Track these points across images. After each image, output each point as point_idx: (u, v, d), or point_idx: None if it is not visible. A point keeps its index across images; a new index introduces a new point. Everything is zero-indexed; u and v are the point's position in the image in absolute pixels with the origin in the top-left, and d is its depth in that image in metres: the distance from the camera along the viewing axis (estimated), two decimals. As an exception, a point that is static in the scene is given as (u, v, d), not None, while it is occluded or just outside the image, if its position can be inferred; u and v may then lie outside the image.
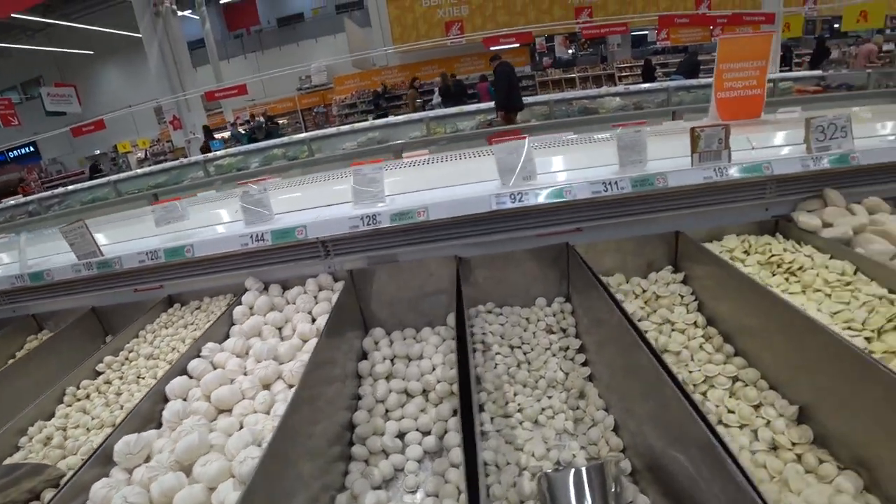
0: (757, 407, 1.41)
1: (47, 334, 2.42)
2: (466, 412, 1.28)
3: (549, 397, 1.69)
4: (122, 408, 1.77)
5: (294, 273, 2.13)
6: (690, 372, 1.55)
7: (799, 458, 1.24)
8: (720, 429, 1.39)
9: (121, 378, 1.92)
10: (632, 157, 1.94)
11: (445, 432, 1.61)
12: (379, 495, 1.40)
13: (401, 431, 1.65)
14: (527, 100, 8.15)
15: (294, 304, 2.01)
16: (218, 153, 8.63)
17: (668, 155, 2.05)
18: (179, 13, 12.52)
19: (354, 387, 1.81)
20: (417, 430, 1.65)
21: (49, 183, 17.64)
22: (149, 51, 11.71)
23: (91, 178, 12.63)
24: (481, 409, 1.64)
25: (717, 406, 1.44)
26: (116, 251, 2.16)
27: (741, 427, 1.38)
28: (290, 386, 1.61)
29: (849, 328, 1.41)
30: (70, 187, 8.74)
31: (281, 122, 18.80)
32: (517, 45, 10.01)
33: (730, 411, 1.42)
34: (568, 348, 1.87)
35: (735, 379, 1.52)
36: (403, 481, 1.49)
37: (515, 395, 1.70)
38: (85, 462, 1.28)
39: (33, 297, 2.44)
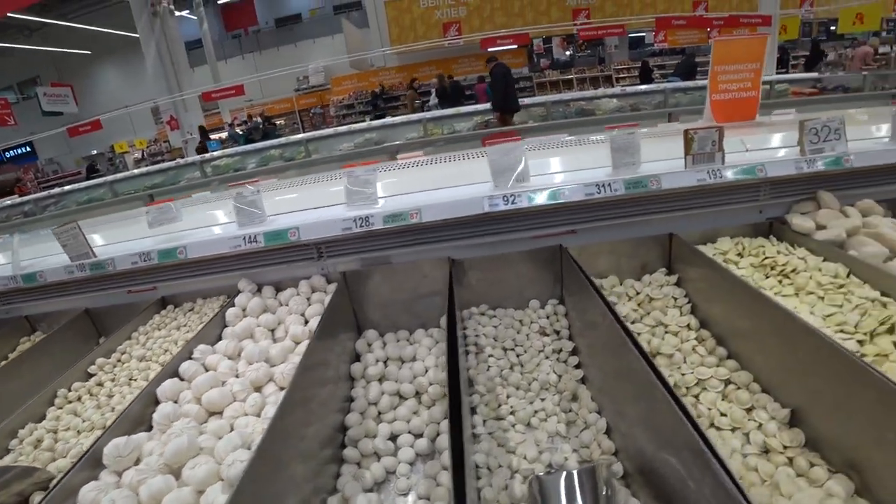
0: (749, 410, 1.41)
1: (40, 336, 2.41)
2: (456, 415, 1.27)
3: (542, 400, 1.69)
4: (113, 410, 1.76)
5: (287, 275, 2.12)
6: (683, 374, 1.55)
7: (790, 461, 1.24)
8: (712, 432, 1.39)
9: (113, 380, 1.91)
10: (625, 159, 1.94)
11: (438, 435, 1.60)
12: (370, 498, 1.39)
13: (393, 434, 1.64)
14: (524, 101, 8.15)
15: (287, 305, 2.00)
16: (215, 154, 8.62)
17: (662, 157, 2.05)
18: (177, 13, 12.47)
19: (347, 389, 1.81)
20: (410, 432, 1.64)
21: (45, 183, 17.57)
22: (146, 51, 11.67)
23: (88, 179, 12.60)
24: (474, 411, 1.64)
25: (710, 409, 1.44)
26: (110, 252, 2.15)
27: (733, 430, 1.37)
28: (282, 388, 1.60)
29: (841, 331, 1.41)
30: (66, 188, 8.71)
31: (278, 122, 18.79)
32: (515, 46, 9.99)
33: (722, 414, 1.42)
34: (561, 350, 1.86)
35: (727, 382, 1.52)
36: (395, 484, 1.49)
37: (508, 397, 1.70)
38: (74, 465, 1.27)
39: (26, 298, 2.43)
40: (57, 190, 8.79)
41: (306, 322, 1.92)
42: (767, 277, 1.73)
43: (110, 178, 8.48)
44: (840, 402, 1.19)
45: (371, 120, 12.85)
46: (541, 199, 1.82)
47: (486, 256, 2.07)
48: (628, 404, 1.39)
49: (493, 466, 1.42)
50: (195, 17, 16.47)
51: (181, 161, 8.70)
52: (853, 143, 1.95)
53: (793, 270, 1.68)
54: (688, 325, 1.74)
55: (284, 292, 2.06)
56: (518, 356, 1.87)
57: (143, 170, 8.90)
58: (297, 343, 1.82)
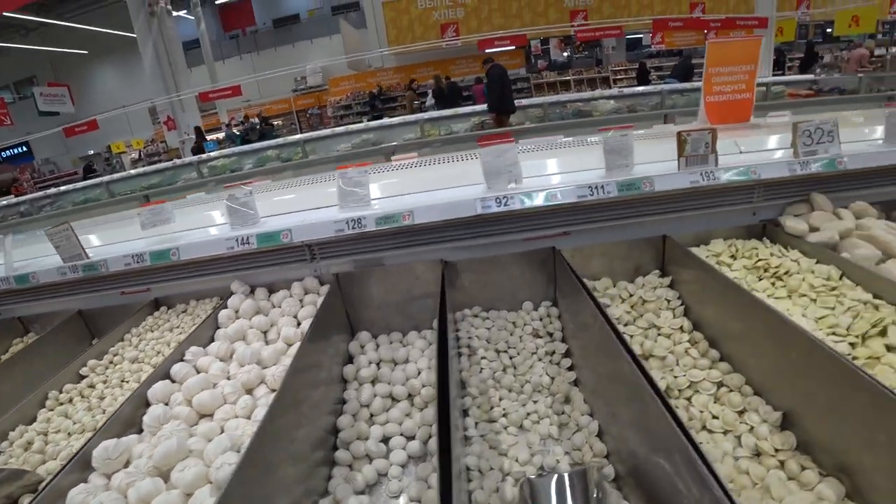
0: (741, 413, 1.41)
1: (33, 337, 2.40)
2: (445, 417, 1.26)
3: (535, 402, 1.68)
4: (104, 412, 1.75)
5: (280, 276, 2.11)
6: (675, 377, 1.55)
7: (782, 464, 1.24)
8: (704, 434, 1.39)
9: (104, 382, 1.90)
10: (618, 160, 1.94)
11: (430, 437, 1.59)
12: (361, 500, 1.39)
13: (385, 436, 1.64)
14: (521, 102, 8.14)
15: (280, 307, 1.99)
16: (212, 154, 8.59)
17: (657, 158, 2.05)
18: (175, 13, 12.48)
19: (339, 391, 1.80)
20: (402, 434, 1.64)
21: (42, 183, 17.52)
22: (143, 51, 11.66)
23: (84, 179, 12.56)
24: (466, 413, 1.64)
25: (702, 412, 1.44)
26: (103, 254, 2.14)
27: (725, 433, 1.37)
28: (273, 390, 1.60)
29: (833, 333, 1.41)
30: (62, 188, 8.66)
31: (276, 123, 18.75)
32: (512, 47, 10.01)
33: (714, 417, 1.42)
34: (554, 353, 1.86)
35: (720, 384, 1.52)
36: (387, 486, 1.48)
37: (501, 399, 1.69)
38: (63, 467, 1.27)
39: (19, 299, 2.42)
40: (53, 190, 8.74)
41: (299, 324, 1.91)
42: (760, 279, 1.73)
43: (106, 178, 8.44)
44: (831, 406, 1.19)
45: (369, 121, 12.83)
46: (533, 200, 1.82)
47: (480, 258, 2.06)
48: (619, 407, 1.39)
49: (484, 469, 1.42)
50: (193, 18, 16.46)
51: (178, 161, 8.67)
52: (847, 145, 1.96)
53: (786, 272, 1.68)
54: (681, 328, 1.74)
55: (277, 294, 2.06)
56: (511, 358, 1.87)
57: (140, 170, 8.86)
58: (290, 345, 1.81)
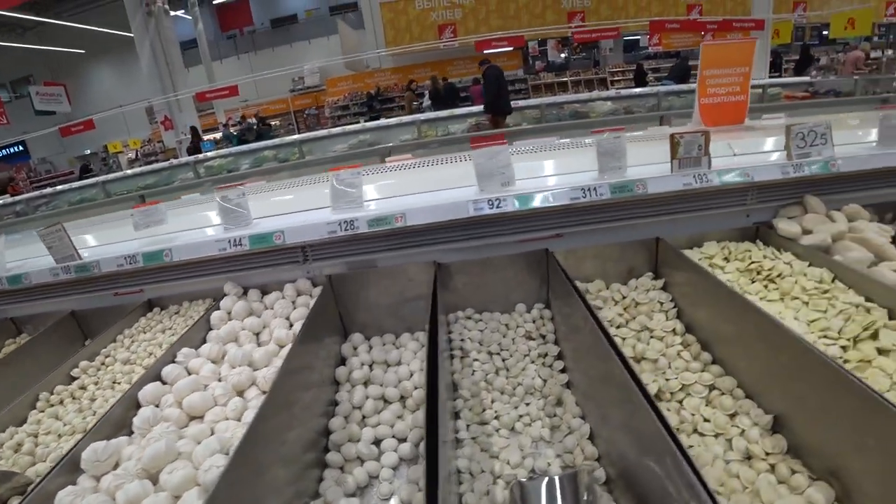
0: (732, 416, 1.41)
1: (25, 338, 2.38)
2: (433, 420, 1.26)
3: (527, 404, 1.68)
4: (95, 414, 1.74)
5: (273, 278, 2.11)
6: (667, 380, 1.54)
7: (772, 468, 1.24)
8: (695, 437, 1.39)
9: (96, 383, 1.89)
10: (611, 163, 1.94)
11: (422, 439, 1.59)
12: (352, 503, 1.39)
13: (377, 438, 1.63)
14: (518, 103, 8.16)
15: (272, 309, 1.99)
16: (208, 154, 8.59)
17: (651, 161, 2.05)
18: (172, 13, 12.47)
19: (331, 392, 1.79)
20: (394, 436, 1.63)
21: (38, 183, 17.49)
22: (140, 50, 11.65)
23: (81, 179, 12.52)
24: (458, 416, 1.63)
25: (693, 415, 1.44)
26: (97, 254, 2.13)
27: (716, 436, 1.37)
28: (264, 392, 1.59)
29: (825, 336, 1.41)
30: (58, 188, 8.65)
31: (273, 123, 18.72)
32: (510, 48, 10.01)
33: (705, 420, 1.42)
34: (546, 355, 1.85)
35: (711, 387, 1.51)
36: (378, 489, 1.48)
37: (493, 402, 1.69)
38: (52, 469, 1.26)
39: (12, 300, 2.41)
40: (49, 190, 8.73)
41: (291, 325, 1.91)
42: (753, 282, 1.73)
43: (103, 178, 8.42)
44: (822, 409, 1.19)
45: (366, 121, 12.83)
46: (526, 202, 1.82)
47: (473, 260, 2.06)
48: (610, 409, 1.39)
49: (475, 472, 1.41)
50: (190, 17, 16.44)
51: (174, 161, 8.66)
52: (841, 147, 1.96)
53: (778, 275, 1.68)
54: (673, 330, 1.74)
55: (270, 295, 2.05)
56: (503, 360, 1.86)
57: (136, 170, 8.85)
58: (282, 347, 1.81)
